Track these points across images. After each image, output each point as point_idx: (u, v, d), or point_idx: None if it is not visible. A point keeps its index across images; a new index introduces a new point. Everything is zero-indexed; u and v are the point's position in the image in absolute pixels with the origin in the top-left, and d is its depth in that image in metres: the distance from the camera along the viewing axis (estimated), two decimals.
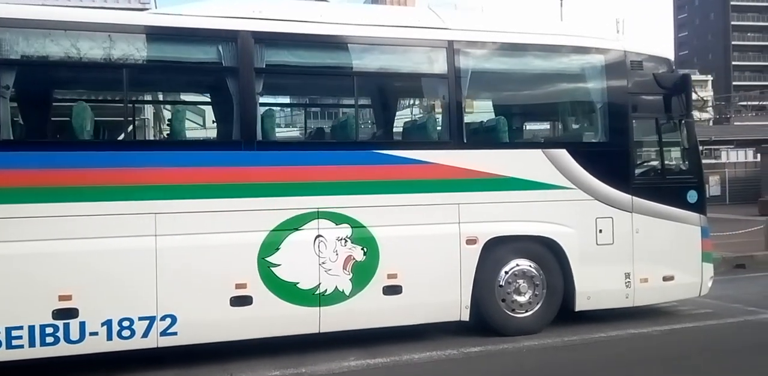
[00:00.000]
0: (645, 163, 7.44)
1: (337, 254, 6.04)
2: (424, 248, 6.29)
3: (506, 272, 6.68)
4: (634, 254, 7.00)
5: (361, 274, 6.10)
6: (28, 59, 5.57)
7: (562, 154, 6.77)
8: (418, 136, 6.91)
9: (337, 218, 6.04)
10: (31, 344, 5.25)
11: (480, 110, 7.50)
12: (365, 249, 6.12)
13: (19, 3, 5.77)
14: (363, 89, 6.78)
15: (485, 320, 6.60)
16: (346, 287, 6.06)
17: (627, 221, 6.97)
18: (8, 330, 5.20)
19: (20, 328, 5.23)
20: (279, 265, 5.86)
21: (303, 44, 6.17)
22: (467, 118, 6.76)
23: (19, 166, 5.31)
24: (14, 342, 5.22)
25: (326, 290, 6.00)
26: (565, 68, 7.15)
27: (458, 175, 6.44)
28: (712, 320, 7.27)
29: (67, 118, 5.69)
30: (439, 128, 6.63)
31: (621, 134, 7.04)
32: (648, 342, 6.45)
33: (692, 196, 7.31)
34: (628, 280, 6.98)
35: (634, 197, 7.01)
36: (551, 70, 7.12)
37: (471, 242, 6.45)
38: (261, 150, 5.91)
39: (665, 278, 7.13)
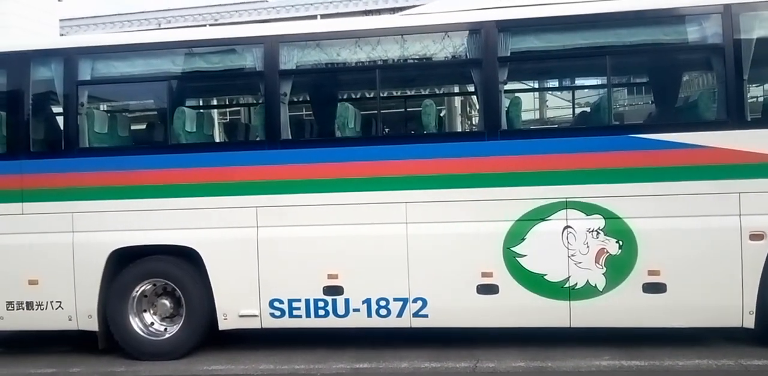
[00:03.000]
0: None
1: (588, 247, 5.73)
2: (693, 242, 5.59)
3: None
4: None
5: (617, 269, 5.68)
6: (305, 68, 6.39)
7: None
8: (684, 117, 6.11)
9: (588, 209, 5.71)
10: (308, 315, 6.06)
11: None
12: (621, 242, 5.68)
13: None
14: (615, 69, 6.23)
15: None
16: (599, 281, 5.71)
17: None
18: (290, 302, 6.08)
19: (299, 300, 6.07)
20: (525, 255, 5.78)
21: (548, 28, 5.94)
22: (752, 93, 5.74)
23: (300, 161, 6.14)
24: (294, 313, 6.08)
25: (576, 283, 5.73)
26: None
27: (738, 160, 5.54)
28: None
29: (331, 118, 6.40)
30: (712, 106, 5.77)
31: None
32: None
33: None
34: None
35: None
36: None
37: (756, 237, 5.52)
38: (505, 139, 5.87)
39: None
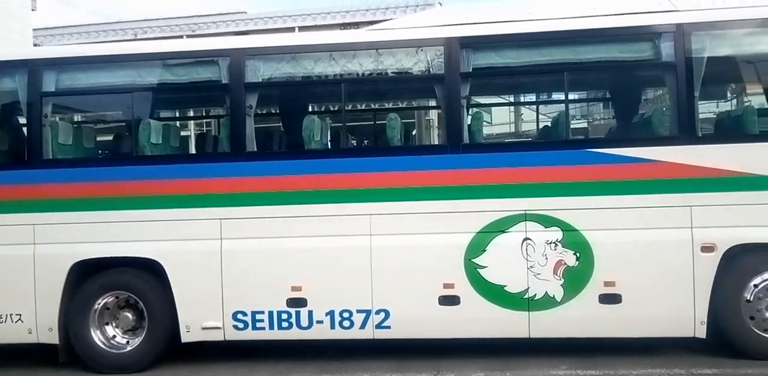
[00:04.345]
0: None
1: (546, 258, 5.86)
2: (648, 254, 5.76)
3: (756, 286, 5.74)
4: None
5: (574, 280, 5.82)
6: (271, 81, 6.45)
7: None
8: (639, 132, 6.31)
9: (547, 221, 5.85)
10: (271, 327, 6.08)
11: (718, 99, 6.53)
12: (578, 254, 5.82)
13: None
14: (574, 85, 6.43)
15: (727, 338, 5.76)
16: (557, 292, 5.84)
17: None
18: (253, 314, 6.09)
19: (262, 312, 6.09)
20: (486, 267, 5.89)
21: (509, 45, 6.09)
22: (702, 109, 5.95)
23: (265, 173, 6.19)
24: (258, 325, 6.09)
25: (535, 294, 5.86)
26: None
27: (689, 174, 5.74)
28: None
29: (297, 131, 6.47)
30: (665, 122, 5.97)
31: None
32: None
33: None
34: None
35: None
36: None
37: (707, 249, 5.70)
38: (467, 153, 5.99)
39: None
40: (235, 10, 19.13)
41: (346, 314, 6.02)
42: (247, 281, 6.07)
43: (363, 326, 6.00)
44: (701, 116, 6.20)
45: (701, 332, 5.69)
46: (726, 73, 6.41)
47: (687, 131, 5.79)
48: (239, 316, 6.08)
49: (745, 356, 5.70)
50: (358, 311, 6.01)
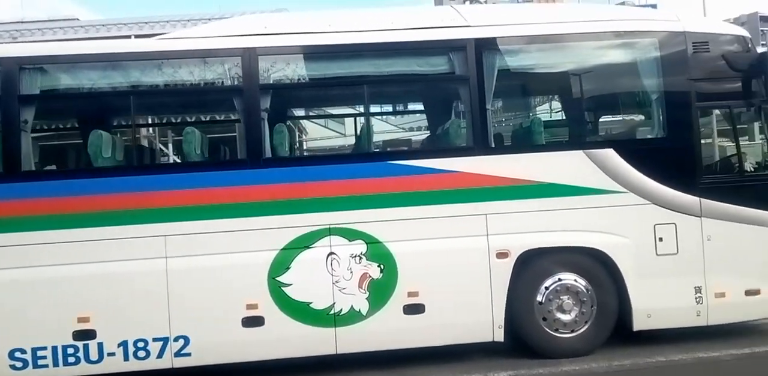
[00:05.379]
0: (717, 160, 6.42)
1: (351, 272, 5.80)
2: (448, 263, 5.86)
3: (547, 288, 6.05)
4: (706, 264, 6.06)
5: (379, 292, 5.80)
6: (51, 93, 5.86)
7: (608, 154, 6.03)
8: (437, 143, 6.47)
9: (351, 234, 5.79)
10: (55, 363, 5.49)
11: (511, 111, 6.88)
12: (382, 266, 5.81)
13: None
14: (375, 98, 6.46)
15: (524, 340, 6.02)
16: (363, 306, 5.79)
17: (695, 227, 6.07)
18: (34, 351, 5.47)
19: (44, 348, 5.48)
20: (290, 284, 5.72)
21: (309, 56, 5.99)
22: (495, 121, 6.20)
23: (43, 195, 5.59)
24: (40, 362, 5.48)
25: (341, 309, 5.77)
26: (611, 57, 6.37)
27: (484, 184, 5.94)
28: None
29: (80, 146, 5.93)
30: (461, 134, 6.15)
31: (682, 128, 6.15)
32: (716, 369, 5.52)
33: None
34: (699, 295, 6.07)
35: (702, 199, 6.08)
36: (594, 61, 6.40)
37: (502, 255, 5.92)
38: (268, 167, 5.79)
39: (749, 292, 6.12)
40: (66, 16, 17.62)
41: (141, 344, 5.59)
42: (25, 315, 5.44)
43: (161, 356, 5.61)
44: (496, 128, 6.47)
45: (499, 336, 5.90)
46: (516, 86, 6.74)
47: (480, 142, 5.99)
48: (17, 354, 5.45)
49: (540, 355, 5.99)
50: (155, 340, 5.60)
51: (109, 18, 17.51)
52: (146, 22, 16.14)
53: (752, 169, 6.36)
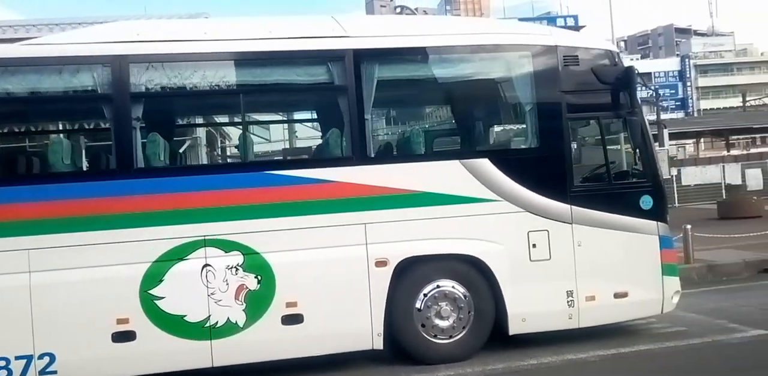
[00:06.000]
0: (586, 169, 6.71)
1: (227, 284, 5.72)
2: (326, 272, 5.88)
3: (425, 295, 6.15)
4: (577, 269, 6.32)
5: (256, 304, 5.75)
6: None
7: (483, 164, 6.20)
8: (317, 153, 6.49)
9: (227, 245, 5.72)
10: None
11: (389, 122, 6.98)
12: (259, 277, 5.77)
13: None
14: (251, 107, 6.42)
15: (402, 347, 6.09)
16: (240, 318, 5.73)
17: (566, 234, 6.31)
18: None
19: None
20: (163, 297, 5.60)
21: (183, 65, 5.90)
22: (373, 131, 6.27)
23: None
24: None
25: (217, 322, 5.69)
26: (486, 70, 6.58)
27: (362, 193, 5.99)
28: (674, 340, 6.46)
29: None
30: (340, 144, 6.18)
31: (553, 138, 6.38)
32: (581, 370, 5.75)
33: (646, 202, 6.55)
34: (570, 299, 6.30)
35: (573, 207, 6.33)
36: (469, 73, 6.57)
37: (381, 263, 5.98)
38: (139, 177, 5.65)
39: (617, 295, 6.40)
40: None
41: (2, 363, 5.34)
42: None
43: (24, 374, 5.37)
44: (375, 138, 6.54)
45: (379, 344, 5.95)
46: (395, 96, 6.84)
47: (359, 152, 6.04)
48: None
49: (419, 362, 6.08)
50: (18, 358, 5.37)
51: (20, 19, 16.68)
52: (56, 24, 15.50)
53: (618, 178, 6.65)
